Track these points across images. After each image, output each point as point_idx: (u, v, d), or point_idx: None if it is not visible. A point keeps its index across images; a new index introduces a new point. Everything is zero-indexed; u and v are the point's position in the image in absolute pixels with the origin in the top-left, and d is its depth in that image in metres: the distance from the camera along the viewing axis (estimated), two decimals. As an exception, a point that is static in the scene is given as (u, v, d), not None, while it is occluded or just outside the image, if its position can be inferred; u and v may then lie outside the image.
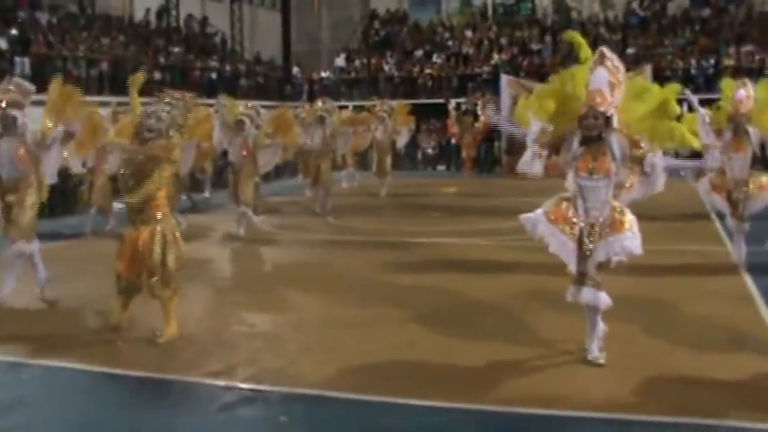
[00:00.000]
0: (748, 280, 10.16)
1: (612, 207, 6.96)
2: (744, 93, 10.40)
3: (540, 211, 7.08)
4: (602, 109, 6.75)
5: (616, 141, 6.85)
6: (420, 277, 10.82)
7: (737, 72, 30.38)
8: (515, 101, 23.26)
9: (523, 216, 7.18)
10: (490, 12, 39.56)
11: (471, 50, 35.72)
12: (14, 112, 9.40)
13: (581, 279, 6.91)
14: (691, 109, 11.29)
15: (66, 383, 6.99)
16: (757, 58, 30.91)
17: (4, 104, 9.38)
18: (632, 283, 9.45)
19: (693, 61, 31.43)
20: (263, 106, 16.14)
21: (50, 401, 6.56)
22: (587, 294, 6.91)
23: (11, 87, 9.70)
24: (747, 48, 31.55)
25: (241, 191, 13.77)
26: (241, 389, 6.66)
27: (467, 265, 11.52)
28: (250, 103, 15.16)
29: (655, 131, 7.32)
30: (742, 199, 10.59)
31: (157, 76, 28.71)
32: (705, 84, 30.47)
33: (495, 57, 34.44)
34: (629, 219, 6.92)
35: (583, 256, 6.89)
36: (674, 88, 7.64)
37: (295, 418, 6.04)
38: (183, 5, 34.81)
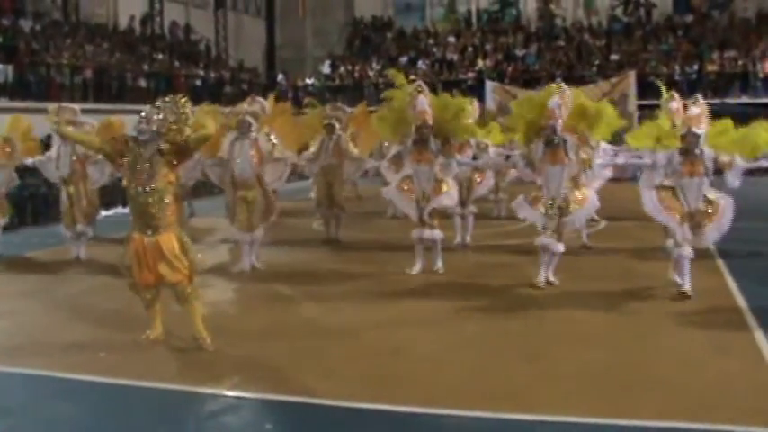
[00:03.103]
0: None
1: (436, 179, 10.98)
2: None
3: (393, 186, 11.46)
4: (429, 122, 10.81)
5: (433, 142, 10.92)
6: (406, 283, 10.86)
7: (720, 77, 30.72)
8: (500, 107, 23.36)
9: (384, 190, 12.02)
10: (475, 18, 39.67)
11: (456, 57, 35.83)
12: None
13: (422, 224, 11.18)
14: None
15: (49, 392, 6.95)
16: (740, 63, 31.12)
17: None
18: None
19: (677, 67, 31.59)
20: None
21: (33, 410, 6.52)
22: (429, 234, 11.18)
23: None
24: (730, 53, 31.75)
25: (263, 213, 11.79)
26: (226, 396, 6.65)
27: (445, 276, 11.53)
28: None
29: (454, 131, 11.18)
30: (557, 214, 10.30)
31: (142, 83, 28.69)
32: (688, 89, 30.64)
33: (480, 63, 34.55)
34: (448, 185, 11.10)
35: (420, 211, 11.11)
36: (466, 100, 12.27)
37: (281, 426, 6.03)
38: (167, 13, 34.76)
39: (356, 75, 35.85)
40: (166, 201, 7.78)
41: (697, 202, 9.60)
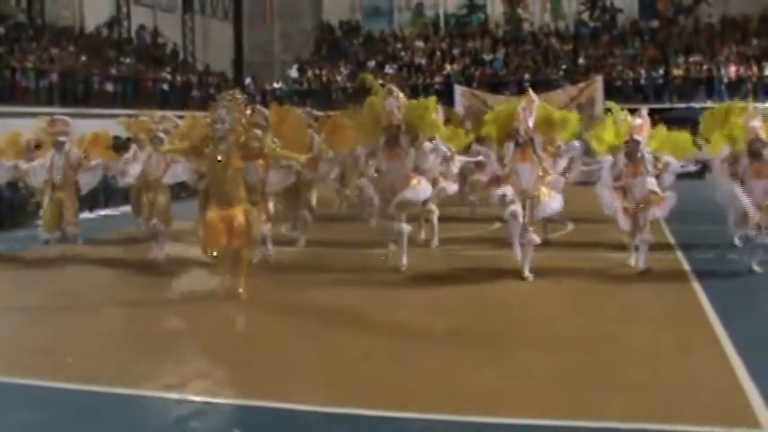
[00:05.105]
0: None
1: (405, 173, 11.46)
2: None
3: (366, 179, 12.10)
4: (395, 122, 11.44)
5: (403, 139, 11.51)
6: (374, 287, 10.89)
7: (686, 82, 31.01)
8: (468, 111, 23.41)
9: (358, 182, 12.76)
10: (442, 23, 39.77)
11: (424, 61, 35.90)
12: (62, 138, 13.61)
13: (391, 217, 11.52)
14: None
15: (14, 399, 6.88)
16: (705, 68, 31.42)
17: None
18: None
19: (643, 71, 31.85)
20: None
21: (-1, 417, 6.46)
22: (397, 226, 11.57)
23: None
24: (695, 58, 32.06)
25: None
26: (193, 401, 6.61)
27: (412, 280, 11.56)
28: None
29: (422, 128, 11.80)
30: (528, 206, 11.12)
31: (109, 87, 28.48)
32: (654, 94, 30.99)
33: (448, 67, 34.65)
34: (417, 180, 11.53)
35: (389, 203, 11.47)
36: (432, 100, 12.31)
37: (248, 431, 6.01)
38: (135, 16, 34.56)
39: (324, 79, 35.84)
40: (238, 183, 10.08)
41: (642, 196, 11.18)
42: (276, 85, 36.23)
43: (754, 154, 11.09)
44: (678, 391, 6.50)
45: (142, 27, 35.26)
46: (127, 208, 19.23)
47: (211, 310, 10.04)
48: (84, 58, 28.44)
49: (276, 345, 8.23)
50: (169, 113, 14.68)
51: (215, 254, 10.05)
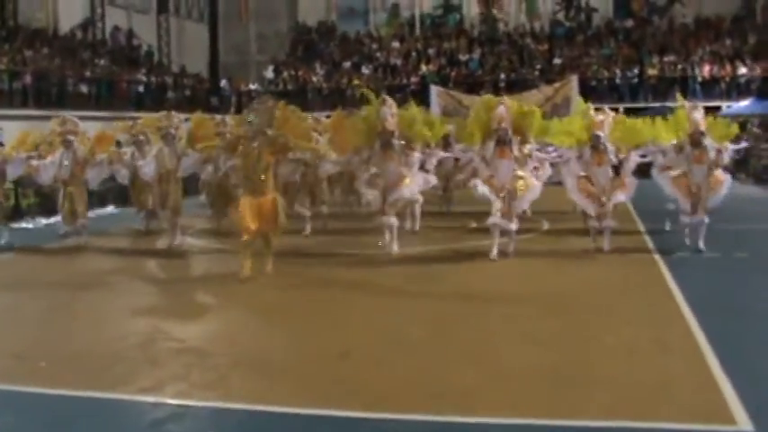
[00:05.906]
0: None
1: (399, 172, 12.70)
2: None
3: (363, 183, 13.24)
4: (389, 128, 12.54)
5: (397, 143, 12.72)
6: (349, 289, 10.86)
7: (661, 81, 31.17)
8: (444, 112, 23.42)
9: (356, 183, 13.99)
10: (418, 23, 39.81)
11: (399, 61, 35.94)
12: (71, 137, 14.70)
13: (383, 212, 12.68)
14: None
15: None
16: (679, 67, 31.61)
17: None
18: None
19: (618, 71, 32.03)
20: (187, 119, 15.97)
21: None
22: (388, 220, 12.70)
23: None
24: (670, 58, 32.26)
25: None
26: (170, 405, 6.56)
27: (395, 276, 11.59)
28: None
29: (412, 137, 13.41)
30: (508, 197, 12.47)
31: (83, 89, 28.31)
32: (629, 93, 31.13)
33: (424, 68, 34.72)
34: (409, 178, 12.83)
35: (384, 200, 12.65)
36: (417, 110, 14.63)
37: (225, 433, 5.99)
38: (109, 17, 34.40)
39: (300, 80, 35.79)
40: (268, 176, 11.29)
41: (606, 183, 12.71)
42: (252, 87, 36.17)
43: (696, 143, 12.53)
44: (655, 389, 6.52)
45: (117, 28, 35.12)
46: (104, 210, 19.41)
47: (189, 309, 10.01)
48: (58, 59, 28.28)
49: (254, 345, 8.20)
50: (174, 113, 15.75)
51: (245, 238, 11.10)
